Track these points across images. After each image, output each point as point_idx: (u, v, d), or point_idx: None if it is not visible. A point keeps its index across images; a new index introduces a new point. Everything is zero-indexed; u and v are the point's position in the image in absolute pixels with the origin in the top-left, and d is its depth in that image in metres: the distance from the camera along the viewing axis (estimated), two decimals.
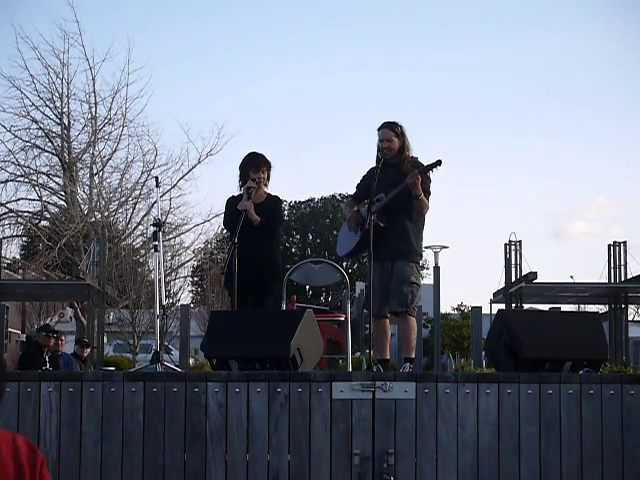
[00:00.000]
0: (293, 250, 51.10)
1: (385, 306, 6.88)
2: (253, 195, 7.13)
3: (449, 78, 66.07)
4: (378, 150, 6.98)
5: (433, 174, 6.87)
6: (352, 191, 7.43)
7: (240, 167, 7.38)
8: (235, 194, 7.44)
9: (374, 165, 7.05)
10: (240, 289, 6.80)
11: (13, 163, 22.96)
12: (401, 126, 7.01)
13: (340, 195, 48.25)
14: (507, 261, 15.30)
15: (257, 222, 7.03)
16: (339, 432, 4.96)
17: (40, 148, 23.18)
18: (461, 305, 42.66)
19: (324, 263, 8.12)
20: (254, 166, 7.27)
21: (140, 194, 23.59)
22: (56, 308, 25.05)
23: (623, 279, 15.43)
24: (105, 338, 19.35)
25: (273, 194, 7.40)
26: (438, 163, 6.80)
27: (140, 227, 24.19)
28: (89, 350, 13.46)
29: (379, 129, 7.01)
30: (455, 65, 65.66)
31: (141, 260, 24.70)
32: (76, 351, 13.01)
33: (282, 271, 7.49)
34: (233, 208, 7.21)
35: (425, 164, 6.85)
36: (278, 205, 7.48)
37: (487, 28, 64.37)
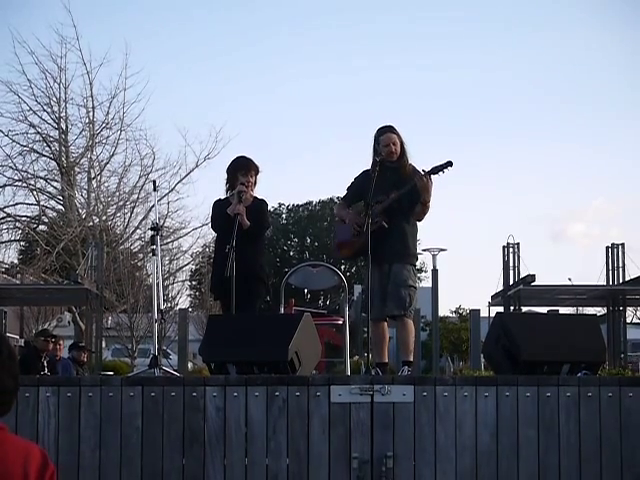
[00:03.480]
0: (291, 253, 51.06)
1: (384, 310, 6.86)
2: (244, 199, 7.11)
3: (448, 78, 66.17)
4: (376, 154, 6.94)
5: (442, 175, 6.72)
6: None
7: (228, 171, 7.33)
8: (222, 197, 7.38)
9: (367, 168, 7.03)
10: (225, 292, 6.77)
11: (11, 168, 22.94)
12: (397, 129, 7.02)
13: (338, 198, 48.10)
14: (505, 264, 15.30)
15: (246, 226, 7.01)
16: (337, 436, 4.96)
17: (38, 152, 23.17)
18: (459, 308, 42.61)
19: (322, 266, 8.12)
20: (243, 170, 7.22)
21: (138, 198, 23.58)
22: (54, 313, 25.02)
23: (621, 281, 15.42)
24: (103, 342, 19.33)
25: (260, 198, 7.34)
26: (449, 164, 6.68)
27: (138, 231, 24.17)
28: (86, 354, 13.45)
29: (380, 135, 6.95)
30: (454, 65, 65.71)
31: (139, 264, 24.69)
32: (74, 356, 12.99)
33: (266, 274, 7.46)
34: (222, 211, 7.15)
35: (434, 165, 6.73)
36: (264, 209, 7.40)
37: (486, 28, 64.46)
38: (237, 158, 7.35)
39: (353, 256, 7.41)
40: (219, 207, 7.29)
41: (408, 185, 6.78)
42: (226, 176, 7.35)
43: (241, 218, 6.95)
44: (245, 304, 6.95)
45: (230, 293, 6.72)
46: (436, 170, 6.72)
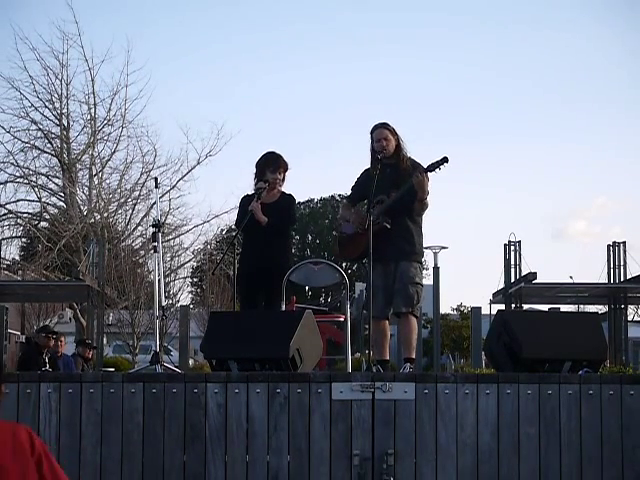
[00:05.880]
0: (292, 251, 51.05)
1: (388, 307, 6.86)
2: (264, 196, 7.10)
3: (448, 78, 66.12)
4: (373, 152, 6.97)
5: (439, 172, 6.73)
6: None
7: (257, 165, 7.29)
8: (249, 192, 7.39)
9: (369, 167, 7.05)
10: (249, 288, 6.83)
11: (12, 164, 22.94)
12: (393, 126, 7.02)
13: (339, 196, 48.26)
14: (506, 261, 15.30)
15: (264, 223, 7.02)
16: (339, 433, 4.96)
17: (39, 149, 23.16)
18: (461, 305, 42.70)
19: (323, 264, 8.10)
20: (272, 167, 7.21)
21: (139, 195, 23.58)
22: (55, 309, 25.03)
23: (622, 279, 15.41)
24: (104, 339, 19.34)
25: (287, 193, 7.35)
26: (444, 160, 6.68)
27: (139, 228, 24.18)
28: (91, 352, 13.48)
29: (372, 131, 7.01)
30: (454, 65, 65.70)
31: (140, 261, 24.67)
32: (80, 352, 13.04)
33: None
34: (246, 208, 7.18)
35: (430, 162, 6.74)
36: (291, 204, 7.37)
37: (486, 27, 64.42)
38: (267, 153, 7.32)
39: (357, 258, 7.39)
40: (244, 203, 7.30)
41: (406, 185, 6.78)
42: (255, 170, 7.31)
43: (256, 215, 6.98)
44: (267, 301, 7.02)
45: (253, 288, 6.80)
46: (432, 167, 6.73)
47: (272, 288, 7.06)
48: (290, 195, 7.35)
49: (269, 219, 7.02)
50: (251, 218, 6.97)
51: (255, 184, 7.28)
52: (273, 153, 7.29)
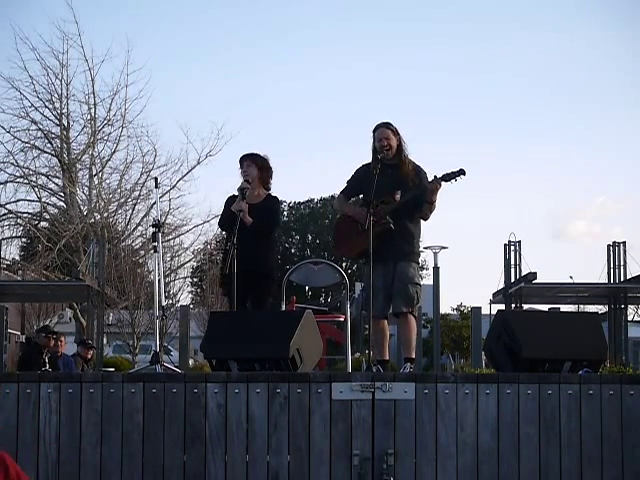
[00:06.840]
0: (292, 251, 51.07)
1: (387, 307, 6.87)
2: (247, 195, 7.14)
3: (449, 78, 66.13)
4: (375, 152, 6.95)
5: (455, 183, 6.74)
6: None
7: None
8: (235, 194, 7.45)
9: (367, 162, 7.03)
10: (237, 289, 6.82)
11: (12, 164, 22.94)
12: (395, 126, 7.02)
13: None
14: (507, 261, 15.32)
15: (249, 224, 7.06)
16: (339, 433, 4.96)
17: (39, 149, 23.17)
18: (461, 305, 42.70)
19: (323, 264, 8.12)
20: (240, 164, 7.36)
21: (139, 195, 23.59)
22: (55, 309, 25.06)
23: (622, 279, 15.44)
24: (104, 339, 19.35)
25: (273, 195, 7.42)
26: (462, 172, 6.70)
27: (139, 228, 24.20)
28: (92, 352, 13.48)
29: (374, 130, 6.99)
30: (455, 65, 65.69)
31: (140, 261, 24.68)
32: (80, 352, 13.04)
33: (276, 271, 7.49)
34: (229, 208, 7.25)
35: (447, 172, 6.74)
36: (275, 206, 7.47)
37: (487, 28, 64.42)
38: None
39: (356, 256, 7.37)
40: (228, 204, 7.35)
41: (418, 189, 6.79)
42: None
43: (243, 215, 7.01)
44: (255, 301, 7.03)
45: (242, 289, 6.81)
46: (448, 177, 6.73)
47: (257, 289, 7.09)
48: (275, 197, 7.44)
49: (254, 220, 7.08)
50: (235, 218, 6.97)
51: None
52: (243, 154, 7.42)
